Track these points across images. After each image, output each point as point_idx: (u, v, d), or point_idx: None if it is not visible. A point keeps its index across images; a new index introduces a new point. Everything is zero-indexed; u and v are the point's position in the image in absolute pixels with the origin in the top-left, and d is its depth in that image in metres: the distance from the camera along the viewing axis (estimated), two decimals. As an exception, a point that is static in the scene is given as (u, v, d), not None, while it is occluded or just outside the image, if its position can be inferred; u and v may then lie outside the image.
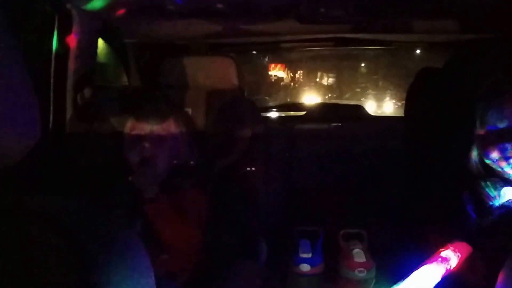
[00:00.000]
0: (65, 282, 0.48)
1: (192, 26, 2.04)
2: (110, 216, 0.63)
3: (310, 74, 4.03)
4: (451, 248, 1.23)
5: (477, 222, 1.41)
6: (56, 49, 1.52)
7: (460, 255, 1.21)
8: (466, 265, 1.21)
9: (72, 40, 1.58)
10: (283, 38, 2.41)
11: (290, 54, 3.70)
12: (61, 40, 1.54)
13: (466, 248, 1.24)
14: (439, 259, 1.20)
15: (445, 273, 1.18)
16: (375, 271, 1.92)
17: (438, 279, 1.17)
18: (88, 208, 0.60)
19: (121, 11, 1.76)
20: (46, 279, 0.48)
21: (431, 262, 1.21)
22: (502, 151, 1.36)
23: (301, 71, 4.07)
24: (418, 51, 2.99)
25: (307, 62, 3.98)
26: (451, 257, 1.20)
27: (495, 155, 1.38)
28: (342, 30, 2.19)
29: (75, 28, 1.59)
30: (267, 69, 3.92)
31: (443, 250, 1.23)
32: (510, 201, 1.34)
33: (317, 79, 4.01)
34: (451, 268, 1.19)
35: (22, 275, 0.48)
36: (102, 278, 0.51)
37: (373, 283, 1.91)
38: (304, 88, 4.06)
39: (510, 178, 1.40)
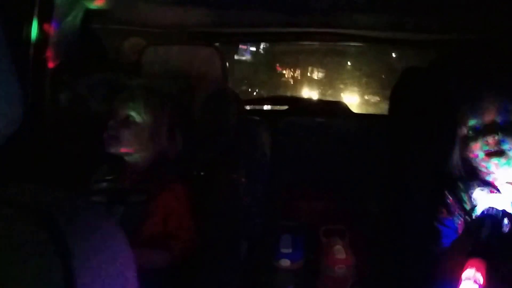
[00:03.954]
0: (43, 271, 0.47)
1: (176, 14, 2.01)
2: (89, 204, 0.62)
3: (295, 68, 4.03)
4: (472, 267, 1.20)
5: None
6: (36, 34, 1.48)
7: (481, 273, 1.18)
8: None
9: (52, 26, 1.54)
10: (269, 30, 2.39)
11: (276, 47, 3.69)
12: (41, 26, 1.50)
13: (482, 264, 1.20)
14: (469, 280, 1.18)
15: None
16: (355, 268, 1.93)
17: None
18: (67, 196, 0.59)
19: (103, -1, 1.73)
20: (23, 268, 0.47)
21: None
22: (484, 151, 1.37)
23: (287, 65, 4.06)
24: (403, 49, 3.01)
25: (292, 57, 3.97)
26: (477, 277, 1.17)
27: (477, 155, 1.38)
28: (329, 24, 2.18)
29: (56, 14, 1.55)
30: (252, 61, 3.91)
31: (466, 271, 1.19)
32: (488, 210, 1.32)
33: (302, 74, 4.01)
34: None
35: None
36: (80, 266, 0.50)
37: (352, 280, 1.92)
38: (288, 83, 4.06)
39: (490, 179, 1.42)
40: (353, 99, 3.78)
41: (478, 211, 1.32)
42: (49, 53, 1.57)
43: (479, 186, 1.39)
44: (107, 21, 1.99)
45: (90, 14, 1.78)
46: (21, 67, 1.47)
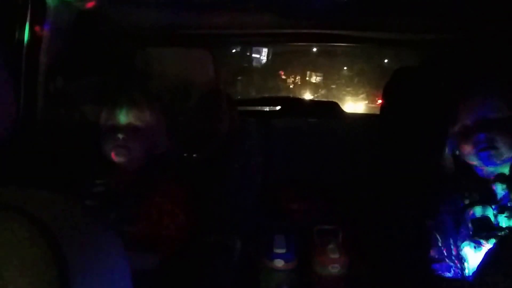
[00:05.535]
0: (36, 275, 0.47)
1: (169, 16, 2.01)
2: (82, 207, 0.62)
3: (287, 69, 4.03)
4: None
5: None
6: (29, 38, 1.48)
7: None
8: None
9: (45, 29, 1.53)
10: (261, 31, 2.39)
11: (269, 49, 3.69)
12: (34, 29, 1.49)
13: None
14: None
15: None
16: (348, 267, 1.93)
17: None
18: (60, 200, 0.59)
19: (96, 0, 1.72)
20: (17, 271, 0.47)
21: None
22: (476, 148, 1.38)
23: (279, 66, 4.06)
24: (395, 50, 3.02)
25: (284, 57, 3.97)
26: None
27: (469, 151, 1.40)
28: (321, 26, 2.18)
29: (48, 17, 1.55)
30: (244, 62, 3.91)
31: None
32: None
33: (295, 75, 4.01)
34: None
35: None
36: (74, 270, 0.50)
37: (346, 280, 1.92)
38: (280, 83, 4.06)
39: (482, 175, 1.44)
40: (345, 99, 3.79)
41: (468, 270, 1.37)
42: (42, 56, 1.57)
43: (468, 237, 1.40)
44: (101, 23, 1.99)
45: (83, 17, 1.78)
46: (13, 70, 1.47)
